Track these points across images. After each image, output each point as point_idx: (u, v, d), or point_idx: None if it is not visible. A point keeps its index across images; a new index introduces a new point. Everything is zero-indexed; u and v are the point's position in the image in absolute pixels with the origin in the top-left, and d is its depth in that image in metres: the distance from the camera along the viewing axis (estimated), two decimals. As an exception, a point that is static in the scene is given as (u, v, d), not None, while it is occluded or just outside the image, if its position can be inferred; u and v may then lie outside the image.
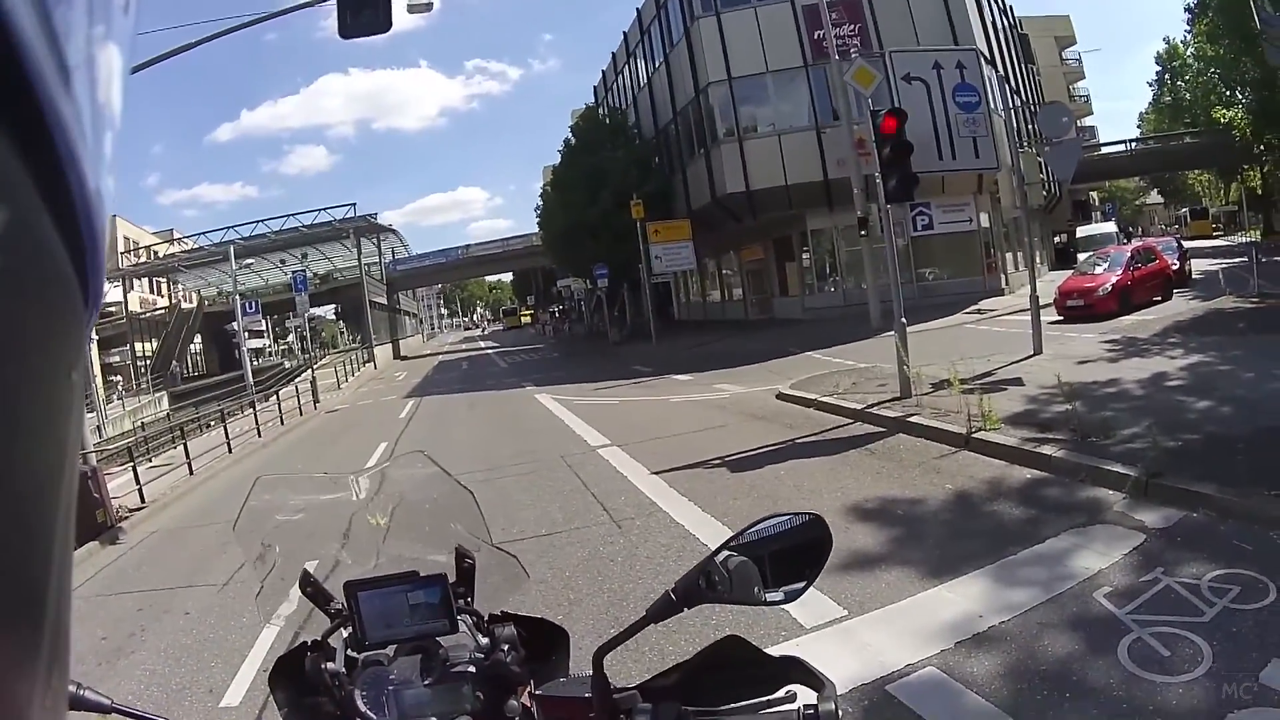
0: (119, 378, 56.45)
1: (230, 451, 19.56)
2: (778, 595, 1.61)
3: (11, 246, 0.38)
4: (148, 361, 57.31)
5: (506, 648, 1.68)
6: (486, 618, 1.77)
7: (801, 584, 1.61)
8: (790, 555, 1.61)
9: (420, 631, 1.67)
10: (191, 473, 17.11)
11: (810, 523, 1.64)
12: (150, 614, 8.40)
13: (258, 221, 54.43)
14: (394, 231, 66.27)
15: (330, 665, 1.68)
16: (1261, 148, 47.53)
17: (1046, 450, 9.23)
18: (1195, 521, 6.99)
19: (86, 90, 0.42)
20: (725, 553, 1.58)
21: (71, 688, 1.47)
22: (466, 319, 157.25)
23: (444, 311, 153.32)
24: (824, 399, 14.22)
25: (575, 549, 8.09)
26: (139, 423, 35.87)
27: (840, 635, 5.59)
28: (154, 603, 8.78)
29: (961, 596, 6.02)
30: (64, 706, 0.47)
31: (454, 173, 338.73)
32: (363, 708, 1.63)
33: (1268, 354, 13.88)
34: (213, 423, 22.76)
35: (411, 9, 16.39)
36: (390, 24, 10.78)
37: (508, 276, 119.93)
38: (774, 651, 1.53)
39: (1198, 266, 32.29)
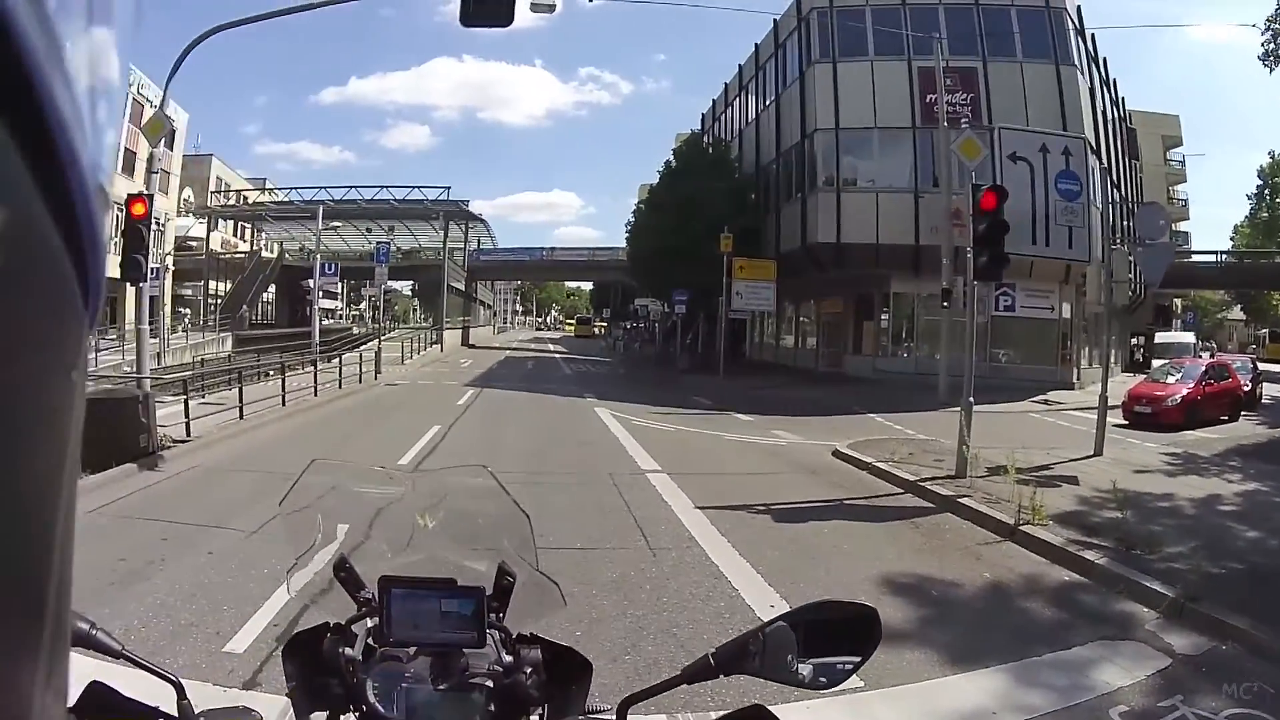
0: (188, 311, 57.58)
1: (284, 405, 19.70)
2: (820, 680, 1.59)
3: (11, 246, 0.38)
4: (219, 301, 58.02)
5: (529, 670, 1.68)
6: (515, 636, 1.76)
7: (846, 668, 1.60)
8: (835, 639, 1.60)
9: (447, 640, 1.68)
10: (242, 417, 17.25)
11: (864, 614, 1.64)
12: (173, 546, 8.49)
13: (350, 187, 55.14)
14: (482, 221, 66.75)
15: (348, 651, 1.70)
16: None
17: (1089, 555, 9.08)
18: (1224, 654, 6.86)
19: (86, 90, 0.43)
20: (775, 629, 1.58)
21: (84, 626, 1.53)
22: (540, 319, 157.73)
23: (519, 308, 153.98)
24: (879, 464, 14.15)
25: (607, 568, 8.08)
26: (199, 359, 36.63)
27: (852, 706, 5.49)
28: (179, 535, 8.89)
29: (978, 689, 5.94)
30: (64, 706, 0.49)
31: (551, 174, 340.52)
32: (372, 699, 1.64)
33: (1331, 491, 13.62)
34: (272, 372, 23.04)
35: (535, 8, 16.57)
36: (512, 18, 10.87)
37: (587, 285, 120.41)
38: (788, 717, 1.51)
39: (1270, 391, 32.10)
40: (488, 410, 22.28)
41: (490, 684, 1.66)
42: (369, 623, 1.77)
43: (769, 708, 1.53)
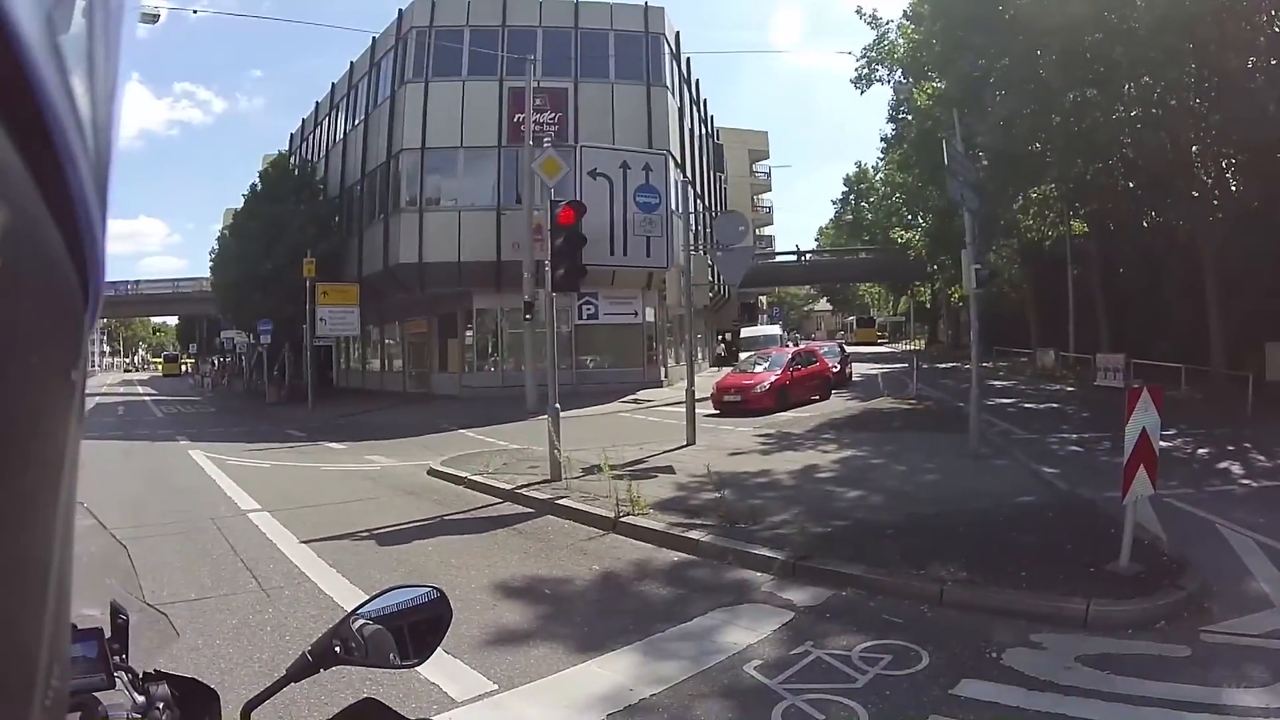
0: None
1: None
2: (415, 660, 1.82)
3: (11, 246, 0.39)
4: None
5: (161, 706, 1.66)
6: (141, 675, 1.73)
7: (432, 643, 1.84)
8: (419, 625, 1.82)
9: (76, 686, 1.59)
10: None
11: (433, 596, 1.87)
12: None
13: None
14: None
15: None
16: (934, 267, 52.65)
17: (694, 535, 9.79)
18: (844, 599, 7.70)
19: (86, 91, 0.44)
20: (360, 621, 1.78)
21: None
22: (128, 360, 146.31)
23: (106, 349, 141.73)
24: (475, 478, 14.51)
25: (225, 616, 7.82)
26: None
27: (491, 709, 5.71)
28: None
29: (611, 671, 6.24)
30: (64, 706, 0.52)
31: (139, 200, 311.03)
32: None
33: (920, 449, 15.47)
34: None
35: (142, 19, 15.81)
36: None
37: (174, 320, 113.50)
38: None
39: (860, 370, 35.73)
40: (81, 462, 20.77)
41: None
42: None
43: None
